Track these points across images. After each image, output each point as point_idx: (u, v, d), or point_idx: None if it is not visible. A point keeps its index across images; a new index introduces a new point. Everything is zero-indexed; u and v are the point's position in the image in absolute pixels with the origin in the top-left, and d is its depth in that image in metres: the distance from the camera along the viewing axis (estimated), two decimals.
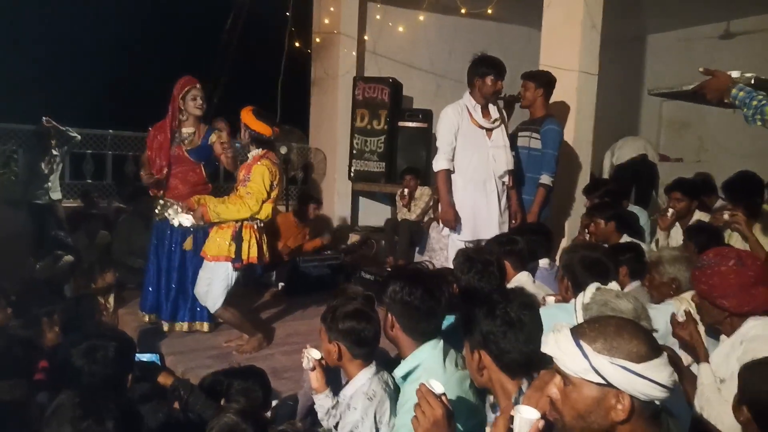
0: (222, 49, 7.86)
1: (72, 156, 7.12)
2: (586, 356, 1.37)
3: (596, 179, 5.89)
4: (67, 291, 4.56)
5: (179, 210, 4.38)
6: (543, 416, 1.49)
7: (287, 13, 7.40)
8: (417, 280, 2.27)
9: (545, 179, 4.57)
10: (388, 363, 2.50)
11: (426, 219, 6.78)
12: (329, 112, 8.07)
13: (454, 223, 4.26)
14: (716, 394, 2.15)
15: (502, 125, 4.39)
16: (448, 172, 4.28)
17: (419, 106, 8.00)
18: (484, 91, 4.24)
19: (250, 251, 3.97)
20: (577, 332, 1.42)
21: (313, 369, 2.39)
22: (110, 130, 7.56)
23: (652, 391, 1.34)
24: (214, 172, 5.21)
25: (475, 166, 4.28)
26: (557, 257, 3.93)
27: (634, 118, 9.22)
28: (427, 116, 7.51)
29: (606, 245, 3.85)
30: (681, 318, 2.45)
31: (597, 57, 5.26)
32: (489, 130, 4.31)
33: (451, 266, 3.13)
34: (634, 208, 5.29)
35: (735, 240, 3.64)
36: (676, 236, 4.26)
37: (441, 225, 4.45)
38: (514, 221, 4.48)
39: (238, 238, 3.94)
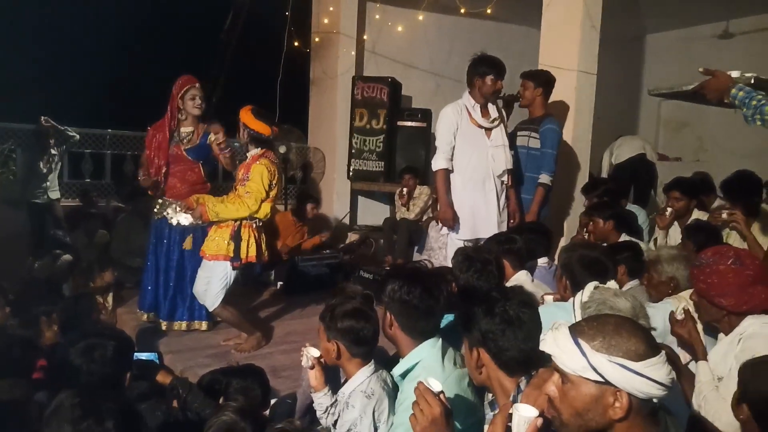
0: (221, 48, 7.86)
1: (71, 155, 7.11)
2: (584, 354, 1.37)
3: (595, 178, 5.89)
4: (66, 290, 4.56)
5: (178, 209, 4.39)
6: (541, 414, 1.49)
7: (286, 13, 7.40)
8: (416, 279, 2.27)
9: (544, 178, 4.57)
10: (386, 362, 2.51)
11: (425, 218, 6.78)
12: (328, 112, 8.07)
13: (452, 222, 4.26)
14: (714, 392, 2.15)
15: (502, 125, 4.40)
16: (447, 172, 4.28)
17: (418, 105, 8.00)
18: (484, 90, 4.25)
19: (249, 250, 3.98)
20: (575, 330, 1.42)
21: (312, 367, 2.40)
22: (109, 130, 7.55)
23: (650, 389, 1.34)
24: (213, 171, 5.19)
25: (474, 165, 4.28)
26: (556, 256, 3.94)
27: (633, 117, 9.22)
28: (426, 116, 7.51)
29: (604, 244, 3.85)
30: (680, 316, 2.46)
31: (596, 56, 5.26)
32: (488, 130, 4.32)
33: (450, 265, 3.13)
34: (632, 208, 5.30)
35: (733, 239, 3.65)
36: (675, 235, 4.26)
37: (440, 224, 4.45)
38: (512, 220, 4.48)
39: (236, 238, 3.94)
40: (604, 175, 6.98)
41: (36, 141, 6.37)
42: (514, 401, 1.71)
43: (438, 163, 4.29)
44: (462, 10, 6.94)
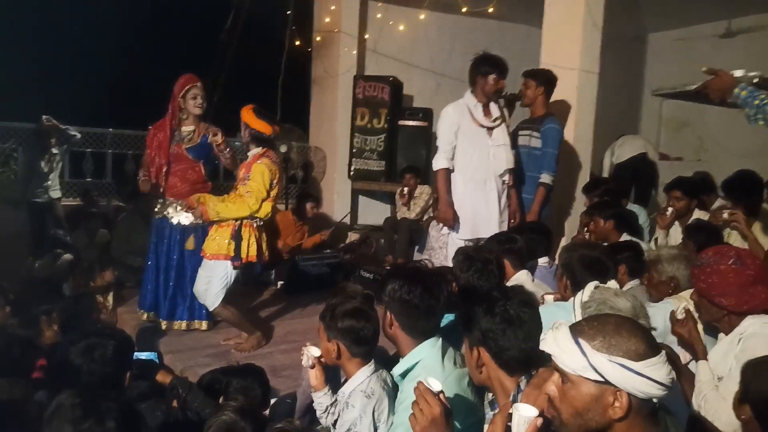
0: (222, 47, 7.85)
1: (72, 154, 7.11)
2: (584, 354, 1.37)
3: (596, 178, 5.88)
4: (66, 289, 4.56)
5: (179, 208, 4.39)
6: (541, 414, 1.49)
7: (288, 12, 7.40)
8: (416, 279, 2.27)
9: (545, 178, 4.57)
10: (386, 361, 2.50)
11: (425, 218, 6.78)
12: (329, 111, 8.07)
13: (452, 222, 4.26)
14: (714, 391, 2.15)
15: (503, 124, 4.39)
16: (448, 171, 4.28)
17: (419, 104, 8.00)
18: (487, 89, 4.24)
19: (250, 250, 3.98)
20: (575, 330, 1.42)
21: (313, 366, 2.39)
22: (110, 129, 7.55)
23: (650, 389, 1.34)
24: (214, 170, 5.20)
25: (475, 165, 4.28)
26: (556, 256, 3.93)
27: (634, 117, 9.21)
28: (428, 115, 7.51)
29: (605, 244, 3.85)
30: (680, 315, 2.45)
31: (598, 56, 5.26)
32: (490, 129, 4.31)
33: (451, 265, 3.13)
34: (633, 207, 5.29)
35: (734, 239, 3.65)
36: (676, 235, 4.25)
37: (440, 224, 4.45)
38: (513, 220, 4.47)
39: (237, 237, 3.94)
40: (605, 174, 6.96)
41: (37, 140, 6.37)
42: (514, 401, 1.71)
43: (439, 162, 4.29)
44: (463, 9, 6.93)
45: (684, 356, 2.48)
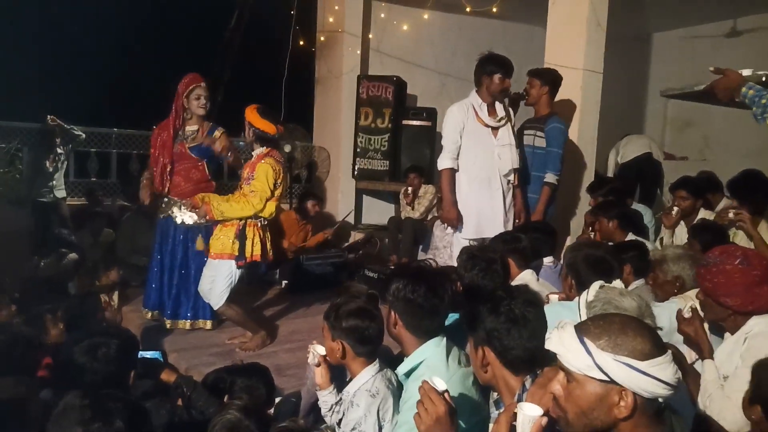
0: (226, 47, 7.87)
1: (76, 154, 7.15)
2: (589, 353, 1.36)
3: (601, 177, 5.87)
4: (71, 288, 4.58)
5: (183, 208, 4.40)
6: (546, 413, 1.48)
7: (291, 12, 7.41)
8: (420, 278, 2.26)
9: (550, 178, 4.56)
10: (391, 360, 2.50)
11: (429, 217, 6.77)
12: (333, 111, 8.07)
13: (456, 222, 4.25)
14: (719, 390, 2.14)
15: (509, 123, 4.38)
16: (453, 171, 4.27)
17: (423, 104, 8.00)
18: (492, 89, 4.23)
19: (254, 249, 3.98)
20: (581, 329, 1.42)
21: (319, 365, 2.39)
22: (115, 129, 7.57)
23: (656, 388, 1.34)
24: (218, 169, 5.21)
25: (480, 164, 4.27)
26: (561, 255, 3.93)
27: (639, 116, 9.19)
28: (432, 114, 7.50)
29: (610, 243, 3.84)
30: (687, 314, 2.44)
31: (602, 55, 5.24)
32: (495, 129, 4.30)
33: (455, 264, 3.12)
34: (638, 207, 5.28)
35: (740, 239, 3.63)
36: (681, 235, 4.24)
37: (444, 223, 4.44)
38: (518, 220, 4.47)
39: (241, 236, 3.94)
40: (610, 174, 6.95)
41: (42, 140, 6.39)
42: (519, 400, 1.70)
43: (444, 162, 4.28)
44: (467, 9, 6.93)
45: (690, 356, 2.47)
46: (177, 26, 10.49)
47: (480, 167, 4.27)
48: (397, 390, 2.31)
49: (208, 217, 3.99)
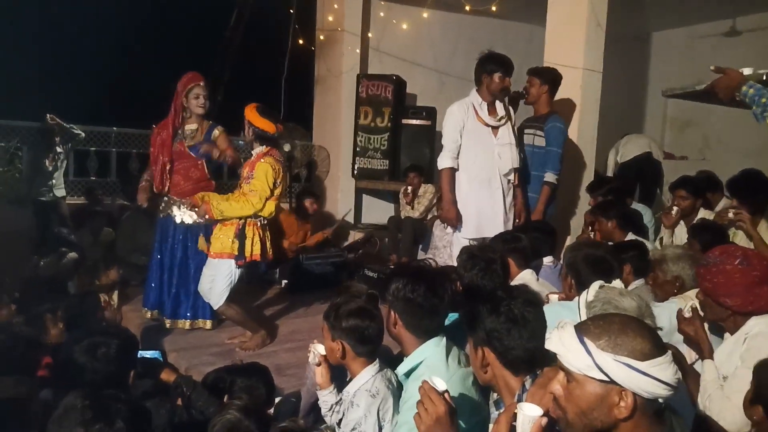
0: (225, 46, 7.86)
1: (76, 153, 7.14)
2: (589, 353, 1.36)
3: (600, 177, 5.87)
4: (71, 288, 4.58)
5: (182, 207, 4.40)
6: (546, 413, 1.48)
7: (291, 11, 7.41)
8: (420, 278, 2.26)
9: (550, 177, 4.56)
10: (391, 360, 2.50)
11: (429, 217, 6.77)
12: (333, 110, 8.07)
13: (455, 221, 4.25)
14: (719, 391, 2.14)
15: (509, 123, 4.37)
16: (453, 170, 4.27)
17: (423, 103, 8.00)
18: (492, 88, 4.23)
19: (253, 249, 3.98)
20: (581, 329, 1.42)
21: (319, 364, 2.39)
22: (114, 128, 7.57)
23: (656, 389, 1.34)
24: (218, 168, 5.21)
25: (480, 164, 4.26)
26: (561, 255, 3.93)
27: (639, 115, 9.19)
28: (431, 113, 7.50)
29: (610, 243, 3.84)
30: (687, 314, 2.44)
31: (601, 54, 5.24)
32: (495, 128, 4.30)
33: (455, 264, 3.12)
34: (638, 206, 5.27)
35: (740, 238, 3.63)
36: (681, 234, 4.24)
37: (444, 223, 4.44)
38: (518, 220, 4.47)
39: (241, 236, 3.94)
40: (610, 173, 6.95)
41: (41, 139, 6.39)
42: (519, 400, 1.70)
43: (444, 161, 4.28)
44: (467, 8, 6.94)
45: (690, 356, 2.47)
46: (177, 25, 10.48)
47: (480, 167, 4.26)
48: (397, 390, 2.31)
49: (207, 216, 3.98)
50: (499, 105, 4.33)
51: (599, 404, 1.37)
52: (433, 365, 2.16)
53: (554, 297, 3.09)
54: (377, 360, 2.33)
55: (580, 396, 1.39)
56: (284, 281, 5.78)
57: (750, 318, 2.22)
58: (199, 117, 4.50)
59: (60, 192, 6.47)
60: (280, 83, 7.32)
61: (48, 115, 6.23)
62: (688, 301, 2.71)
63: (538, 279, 3.52)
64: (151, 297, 4.53)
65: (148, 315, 4.54)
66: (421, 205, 6.83)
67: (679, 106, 8.47)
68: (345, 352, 2.29)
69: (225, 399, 2.55)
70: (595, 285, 2.39)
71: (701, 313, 2.42)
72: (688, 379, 2.26)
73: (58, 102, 7.09)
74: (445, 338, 2.26)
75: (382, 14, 8.01)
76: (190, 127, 4.51)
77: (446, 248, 4.40)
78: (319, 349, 2.39)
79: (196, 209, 4.08)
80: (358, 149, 7.66)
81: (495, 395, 1.97)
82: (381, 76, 7.64)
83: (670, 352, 1.39)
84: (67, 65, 10.58)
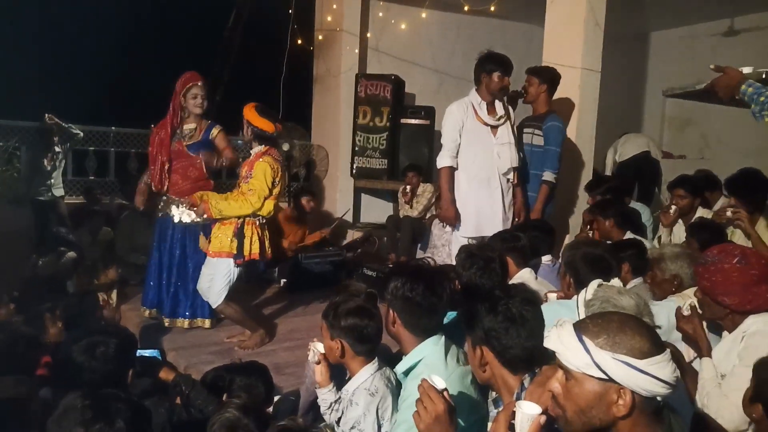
0: (224, 46, 7.87)
1: (75, 153, 7.14)
2: (588, 351, 1.36)
3: (599, 176, 5.88)
4: (70, 287, 4.58)
5: (181, 206, 4.40)
6: (545, 411, 1.49)
7: (289, 11, 7.40)
8: (418, 276, 2.26)
9: (548, 176, 4.57)
10: (389, 359, 2.50)
11: (428, 216, 6.78)
12: (331, 109, 8.07)
13: (454, 220, 4.26)
14: (716, 389, 2.15)
15: (508, 122, 4.38)
16: (452, 169, 4.27)
17: (421, 103, 8.00)
18: (491, 87, 4.23)
19: (252, 248, 3.98)
20: (579, 327, 1.42)
21: (319, 362, 2.39)
22: (113, 127, 7.56)
23: (654, 387, 1.34)
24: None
25: (479, 163, 4.27)
26: (560, 254, 3.93)
27: (637, 115, 9.20)
28: (430, 113, 7.50)
29: (608, 242, 3.85)
30: (686, 312, 2.45)
31: (600, 54, 5.25)
32: (494, 127, 4.30)
33: (454, 263, 3.12)
34: (636, 205, 5.27)
35: (738, 237, 3.64)
36: (679, 233, 4.25)
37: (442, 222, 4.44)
38: (518, 219, 4.47)
39: (240, 235, 3.94)
40: (608, 172, 6.95)
41: (40, 138, 6.38)
42: (518, 399, 1.71)
43: (443, 160, 4.28)
44: (465, 8, 6.94)
45: (688, 354, 2.48)
46: (176, 25, 10.47)
47: (479, 166, 4.27)
48: (396, 388, 2.31)
49: (206, 216, 3.99)
50: (498, 104, 4.33)
51: (598, 402, 1.38)
52: (432, 364, 2.16)
53: (553, 296, 3.09)
54: (376, 359, 2.33)
55: (578, 394, 1.40)
56: (283, 280, 5.78)
57: (748, 316, 2.22)
58: (198, 116, 4.50)
59: (58, 191, 6.46)
60: (279, 83, 7.32)
61: (46, 114, 6.22)
62: (687, 299, 2.72)
63: (536, 278, 3.52)
64: (149, 296, 4.53)
65: (147, 314, 4.54)
66: (419, 205, 6.83)
67: (678, 106, 8.48)
68: (344, 350, 2.29)
69: (224, 397, 2.55)
70: (594, 284, 2.40)
71: (700, 311, 2.43)
72: (687, 377, 2.27)
73: (56, 101, 7.09)
74: (443, 337, 2.26)
75: (380, 14, 8.01)
76: (189, 126, 4.51)
77: (445, 247, 4.40)
78: (318, 347, 2.40)
79: (195, 208, 4.08)
80: (356, 149, 7.66)
81: (494, 393, 1.97)
82: (380, 76, 7.64)
83: (668, 350, 1.40)
84: (67, 65, 10.56)
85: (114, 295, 4.46)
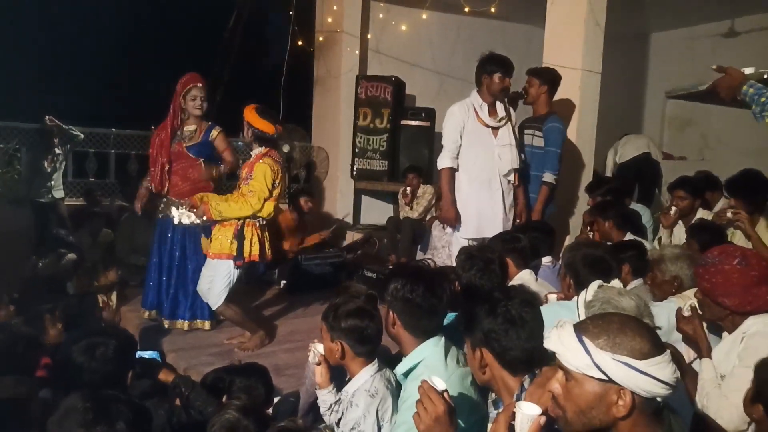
0: (224, 46, 7.87)
1: (75, 154, 7.14)
2: (588, 352, 1.36)
3: (599, 177, 5.88)
4: (70, 288, 4.57)
5: (181, 208, 4.40)
6: (545, 412, 1.48)
7: (290, 12, 7.41)
8: (418, 278, 2.26)
9: (548, 177, 4.56)
10: (389, 360, 2.50)
11: (428, 217, 6.78)
12: (332, 111, 8.07)
13: (454, 221, 4.25)
14: (716, 389, 2.14)
15: (509, 123, 4.37)
16: (452, 171, 4.27)
17: (422, 104, 8.00)
18: (492, 88, 4.23)
19: (252, 249, 3.98)
20: (579, 328, 1.42)
21: (319, 364, 2.39)
22: (113, 129, 7.57)
23: (654, 388, 1.34)
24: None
25: (480, 164, 4.27)
26: (560, 255, 3.93)
27: (638, 116, 9.20)
28: (430, 115, 7.50)
29: (609, 243, 3.84)
30: (686, 312, 2.45)
31: (600, 55, 5.25)
32: (495, 129, 4.30)
33: (454, 264, 3.12)
34: (637, 206, 5.28)
35: (738, 238, 3.63)
36: (679, 234, 4.25)
37: (443, 223, 4.44)
38: (519, 220, 4.47)
39: (240, 236, 3.94)
40: (609, 173, 6.96)
41: (40, 140, 6.39)
42: (518, 400, 1.70)
43: (444, 161, 4.28)
44: (466, 9, 6.93)
45: (688, 355, 2.47)
46: (176, 26, 10.49)
47: (480, 167, 4.26)
48: (396, 390, 2.31)
49: (206, 217, 3.99)
50: (499, 106, 4.33)
51: (598, 403, 1.38)
52: (432, 365, 2.16)
53: (553, 297, 3.09)
54: (376, 360, 2.33)
55: (578, 395, 1.40)
56: (283, 282, 5.77)
57: (748, 317, 2.22)
58: (198, 118, 4.50)
59: (59, 193, 6.47)
60: (279, 84, 7.33)
61: (47, 116, 6.23)
62: (687, 300, 2.72)
63: (537, 279, 3.52)
64: (149, 297, 4.53)
65: (147, 315, 4.54)
66: (419, 206, 6.83)
67: (678, 106, 8.48)
68: (344, 352, 2.30)
69: (224, 399, 2.55)
70: (594, 285, 2.39)
71: (700, 312, 2.42)
72: (687, 377, 2.27)
73: (57, 103, 7.11)
74: (443, 338, 2.26)
75: (381, 16, 8.02)
76: (189, 128, 4.51)
77: (445, 248, 4.40)
78: (319, 348, 2.39)
79: (195, 210, 4.08)
80: (357, 150, 7.66)
81: (493, 395, 1.97)
82: (380, 78, 7.65)
83: (668, 351, 1.40)
84: (67, 66, 10.58)
85: (114, 296, 4.45)
